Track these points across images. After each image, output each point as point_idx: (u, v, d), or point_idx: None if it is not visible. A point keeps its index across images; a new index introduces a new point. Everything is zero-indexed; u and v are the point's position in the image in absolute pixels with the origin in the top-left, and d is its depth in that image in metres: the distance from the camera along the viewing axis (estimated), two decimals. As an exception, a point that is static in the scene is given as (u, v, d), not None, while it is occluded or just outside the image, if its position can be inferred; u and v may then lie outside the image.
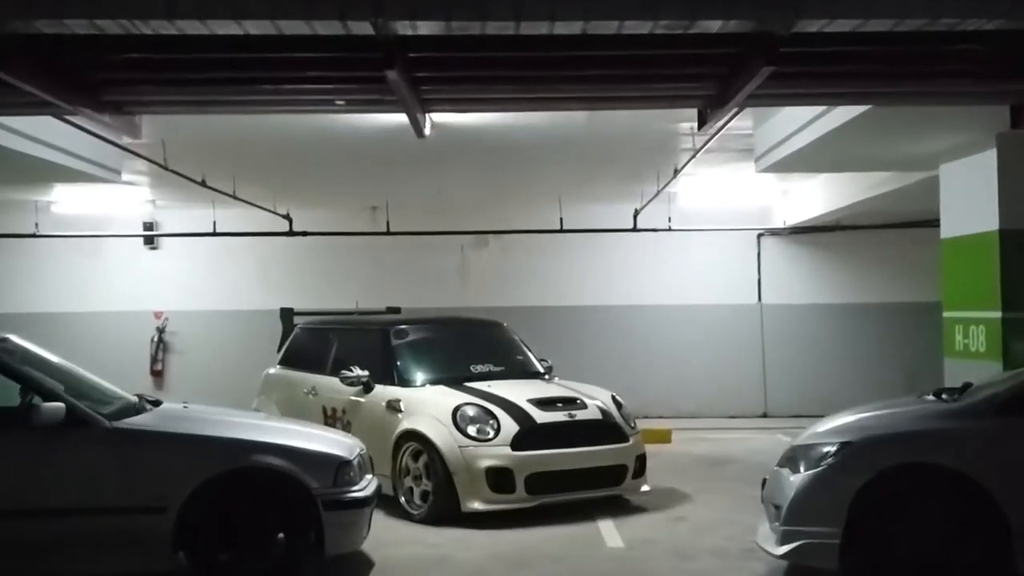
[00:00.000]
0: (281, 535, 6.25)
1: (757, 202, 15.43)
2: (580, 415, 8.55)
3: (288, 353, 10.84)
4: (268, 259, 16.14)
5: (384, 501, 8.19)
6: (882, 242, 15.76)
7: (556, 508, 8.22)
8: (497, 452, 8.10)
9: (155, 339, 16.25)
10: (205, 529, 6.13)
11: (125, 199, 14.68)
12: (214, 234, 14.51)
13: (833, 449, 6.16)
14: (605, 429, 8.65)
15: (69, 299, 16.20)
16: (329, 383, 9.51)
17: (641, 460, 8.84)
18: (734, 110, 6.49)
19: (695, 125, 9.77)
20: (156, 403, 6.94)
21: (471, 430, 8.19)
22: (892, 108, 7.00)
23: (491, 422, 8.24)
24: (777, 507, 6.37)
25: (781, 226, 15.22)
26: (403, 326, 9.71)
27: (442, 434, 8.21)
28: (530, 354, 10.06)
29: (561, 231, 14.72)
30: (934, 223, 14.75)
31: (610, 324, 16.19)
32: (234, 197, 12.24)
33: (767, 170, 10.06)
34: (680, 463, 11.30)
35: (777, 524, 6.30)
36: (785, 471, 6.43)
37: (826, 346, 16.17)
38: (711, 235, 15.73)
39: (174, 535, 6.05)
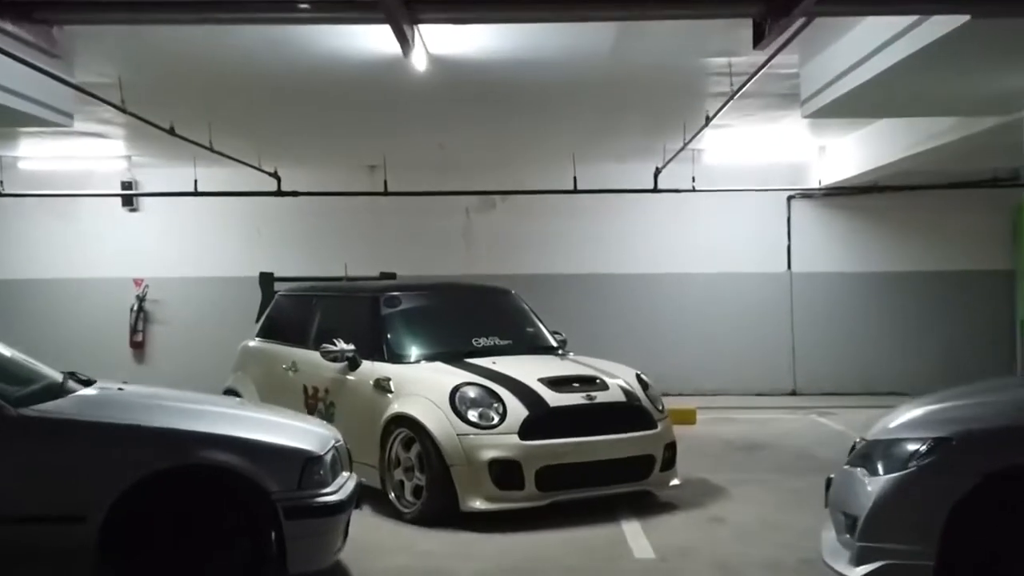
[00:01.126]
0: (233, 549, 5.04)
1: (789, 160, 14.12)
2: (601, 397, 7.28)
3: (267, 324, 9.59)
4: (257, 222, 14.93)
5: (371, 495, 7.02)
6: (925, 205, 14.51)
7: (572, 507, 6.98)
8: (503, 441, 6.85)
9: (135, 308, 15.01)
10: (137, 542, 4.92)
11: (97, 153, 13.40)
12: (195, 193, 13.21)
13: (924, 447, 4.87)
14: (630, 413, 7.39)
15: (40, 264, 15.02)
16: (311, 358, 8.25)
17: (671, 449, 7.58)
18: (800, 20, 5.18)
19: (732, 60, 8.59)
20: (89, 383, 5.71)
21: (472, 415, 6.95)
22: (989, 23, 5.66)
23: (496, 405, 6.99)
24: (850, 517, 5.11)
25: (817, 186, 13.83)
26: (395, 293, 8.44)
27: (438, 419, 6.96)
28: (541, 326, 8.79)
29: (575, 191, 13.39)
30: (991, 183, 13.75)
31: (626, 294, 14.99)
32: (210, 149, 10.94)
33: (815, 115, 8.72)
34: (708, 448, 10.06)
35: (851, 538, 5.03)
36: (859, 472, 5.17)
37: (861, 318, 14.96)
38: (738, 198, 14.46)
39: (98, 549, 4.83)
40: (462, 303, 8.88)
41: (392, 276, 11.34)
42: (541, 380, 7.25)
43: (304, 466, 5.18)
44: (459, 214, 15.03)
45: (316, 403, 8.20)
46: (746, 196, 14.46)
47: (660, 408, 7.69)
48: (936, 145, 10.23)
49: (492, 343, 8.09)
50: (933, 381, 14.82)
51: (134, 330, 14.99)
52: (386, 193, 13.43)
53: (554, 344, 8.58)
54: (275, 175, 13.38)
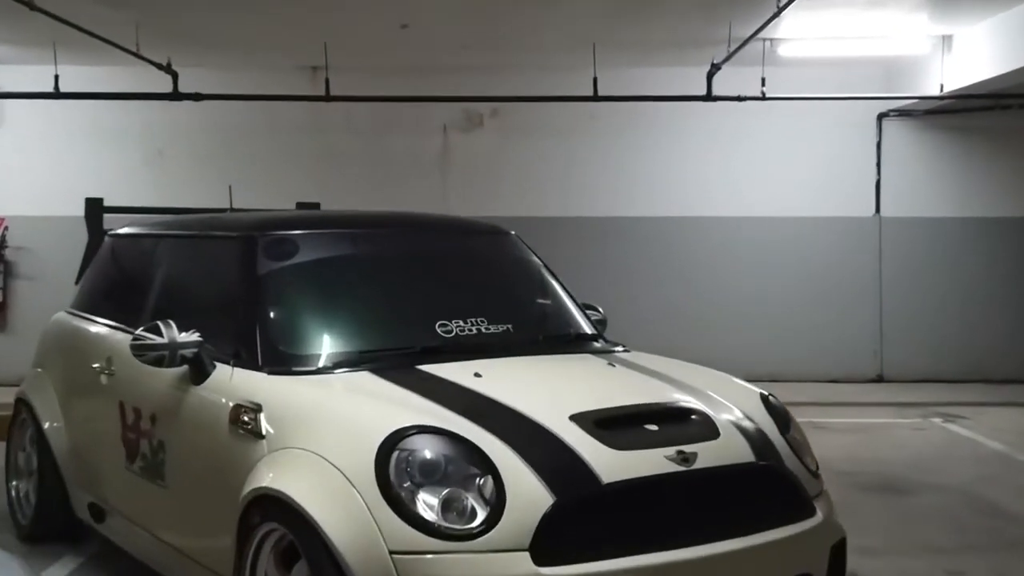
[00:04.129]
0: None
1: (889, 56, 10.28)
2: (705, 455, 3.35)
3: (86, 286, 5.67)
4: (159, 142, 11.05)
5: None
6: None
7: None
8: (494, 568, 2.95)
9: (-9, 258, 11.12)
10: None
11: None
12: (56, 95, 9.25)
13: None
14: (763, 487, 3.53)
15: None
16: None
17: (837, 555, 3.67)
18: None
19: None
20: None
21: (425, 503, 3.03)
22: None
23: (480, 481, 3.06)
24: None
25: (938, 92, 9.89)
26: (285, 232, 4.42)
27: (349, 512, 3.05)
28: (565, 296, 4.82)
29: (594, 98, 9.50)
30: None
31: (658, 244, 11.24)
32: (30, 5, 6.96)
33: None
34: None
35: None
36: None
37: (971, 280, 11.25)
38: (810, 116, 10.75)
39: None
40: (419, 254, 4.69)
41: (315, 206, 7.42)
42: (577, 418, 3.33)
43: None
44: (434, 133, 11.12)
45: (138, 440, 4.31)
46: (821, 114, 10.68)
47: (813, 468, 3.83)
48: None
49: (475, 330, 4.10)
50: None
51: (-9, 288, 11.09)
52: (328, 98, 9.47)
53: (588, 331, 4.65)
54: (169, 69, 9.40)
